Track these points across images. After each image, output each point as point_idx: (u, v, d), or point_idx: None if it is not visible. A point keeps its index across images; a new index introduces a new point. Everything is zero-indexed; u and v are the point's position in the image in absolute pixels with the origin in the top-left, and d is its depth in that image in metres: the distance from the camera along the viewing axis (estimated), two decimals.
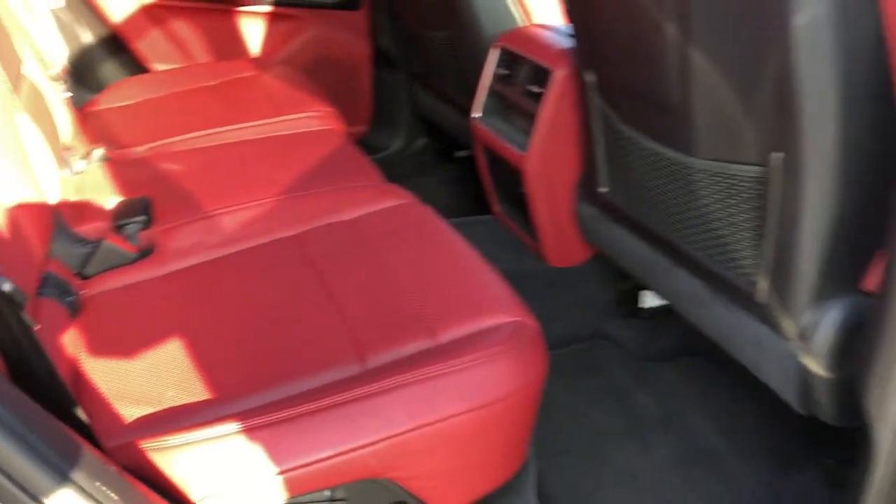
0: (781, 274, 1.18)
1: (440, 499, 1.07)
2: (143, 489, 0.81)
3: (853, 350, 1.14)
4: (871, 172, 1.07)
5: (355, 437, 0.96)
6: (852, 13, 0.97)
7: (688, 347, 1.82)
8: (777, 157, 1.09)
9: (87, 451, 0.72)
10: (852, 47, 0.99)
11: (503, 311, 1.15)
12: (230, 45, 2.69)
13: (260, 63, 2.52)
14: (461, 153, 2.77)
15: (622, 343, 1.88)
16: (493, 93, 2.00)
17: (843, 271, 1.16)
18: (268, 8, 2.66)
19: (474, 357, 1.04)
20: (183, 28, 2.64)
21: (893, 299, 0.92)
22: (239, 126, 1.93)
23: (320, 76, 2.56)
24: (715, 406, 1.67)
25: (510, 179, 1.91)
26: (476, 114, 2.02)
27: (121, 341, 1.17)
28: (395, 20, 2.73)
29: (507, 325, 1.12)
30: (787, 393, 1.27)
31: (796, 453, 1.54)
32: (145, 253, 1.42)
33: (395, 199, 1.53)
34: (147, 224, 1.50)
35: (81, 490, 0.67)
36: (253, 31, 2.70)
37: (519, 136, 1.84)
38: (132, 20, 2.55)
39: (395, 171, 1.73)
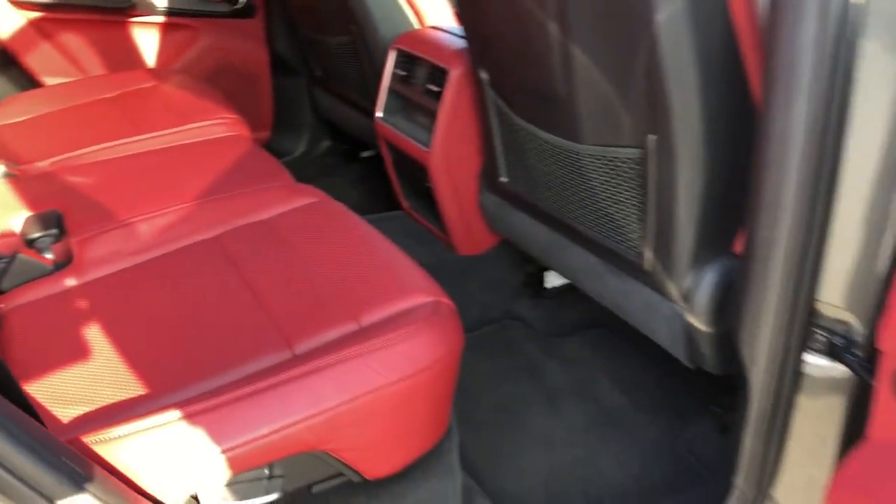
0: (663, 243, 1.30)
1: (372, 467, 1.15)
2: (118, 482, 0.86)
3: (728, 306, 1.29)
4: (734, 150, 1.19)
5: (290, 414, 1.03)
6: (706, 9, 1.09)
7: (590, 321, 1.96)
8: (652, 139, 1.21)
9: (74, 450, 0.77)
10: (708, 40, 1.11)
11: (420, 292, 1.24)
12: (124, 57, 2.66)
13: (157, 73, 2.50)
14: (366, 153, 2.85)
15: (531, 322, 2.00)
16: (393, 93, 2.07)
17: (716, 238, 1.29)
18: (160, 18, 2.64)
19: (397, 334, 1.12)
20: (73, 41, 2.59)
21: (753, 261, 1.06)
22: (145, 136, 1.93)
23: (220, 84, 2.57)
24: (618, 371, 1.82)
25: (416, 175, 1.99)
26: (379, 113, 2.10)
27: (48, 350, 1.18)
28: (292, 27, 2.77)
29: (425, 305, 1.21)
30: (677, 350, 1.40)
31: (691, 406, 1.70)
32: (62, 264, 1.42)
33: (308, 198, 1.59)
34: (59, 237, 1.51)
35: (79, 486, 0.72)
36: (147, 41, 2.68)
37: (421, 132, 1.93)
38: (20, 35, 2.48)
39: (301, 174, 1.78)
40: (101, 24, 2.59)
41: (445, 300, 1.25)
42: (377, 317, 1.20)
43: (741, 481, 1.24)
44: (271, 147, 2.79)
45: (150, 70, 2.59)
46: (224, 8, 2.70)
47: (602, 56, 1.21)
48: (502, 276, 2.05)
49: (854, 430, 1.05)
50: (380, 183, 2.40)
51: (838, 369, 1.08)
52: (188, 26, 2.68)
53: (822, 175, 0.96)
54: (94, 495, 0.77)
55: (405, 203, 2.22)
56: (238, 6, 2.71)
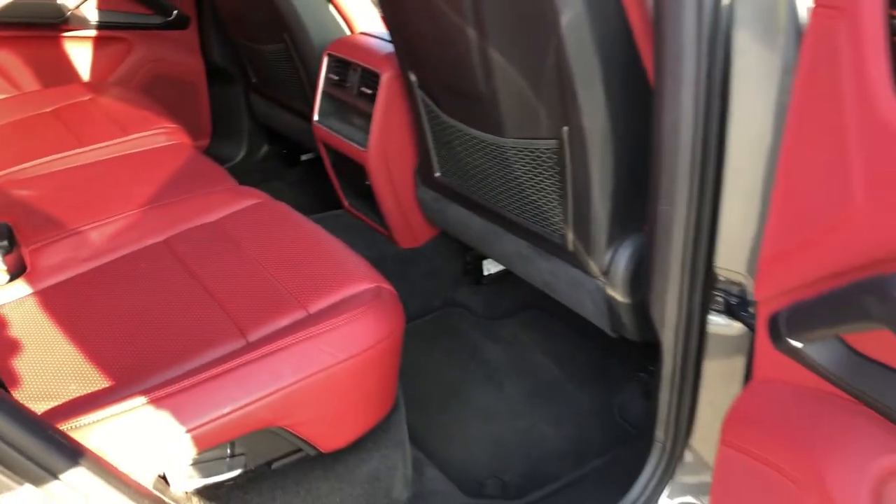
0: (582, 225, 1.42)
1: (327, 440, 1.25)
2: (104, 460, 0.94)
3: (641, 278, 1.42)
4: (639, 137, 1.28)
5: (248, 394, 1.12)
6: (604, 12, 1.20)
7: (525, 303, 2.09)
8: (565, 130, 1.32)
9: (64, 433, 0.85)
10: (608, 39, 1.22)
11: (362, 280, 1.34)
12: (58, 71, 2.67)
13: (93, 87, 2.53)
14: (306, 156, 2.92)
15: (471, 307, 2.11)
16: (328, 97, 2.14)
17: (628, 218, 1.41)
18: (93, 32, 2.66)
19: (343, 317, 1.22)
20: (6, 58, 2.59)
21: (657, 235, 1.18)
22: (87, 148, 1.96)
23: (156, 94, 2.59)
24: (552, 347, 1.95)
25: (355, 174, 2.08)
26: (316, 117, 2.18)
27: (11, 353, 1.23)
28: (226, 36, 2.82)
29: (368, 291, 1.31)
30: (601, 321, 1.52)
31: (619, 374, 1.84)
32: (17, 274, 1.47)
33: (252, 199, 1.67)
34: (11, 248, 1.55)
35: (74, 460, 0.80)
36: (81, 55, 2.69)
37: (358, 134, 2.01)
38: None
39: (243, 180, 1.84)
40: (34, 39, 2.59)
41: (386, 286, 1.35)
42: (324, 304, 1.29)
43: (661, 434, 1.38)
44: (211, 154, 2.82)
45: (86, 84, 2.61)
46: (157, 20, 2.74)
47: (517, 57, 1.32)
48: (442, 266, 2.16)
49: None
50: (320, 184, 2.48)
51: (735, 326, 1.22)
52: (122, 39, 2.71)
53: (710, 155, 1.09)
54: (90, 470, 0.85)
55: (346, 202, 2.31)
56: (171, 18, 2.75)
